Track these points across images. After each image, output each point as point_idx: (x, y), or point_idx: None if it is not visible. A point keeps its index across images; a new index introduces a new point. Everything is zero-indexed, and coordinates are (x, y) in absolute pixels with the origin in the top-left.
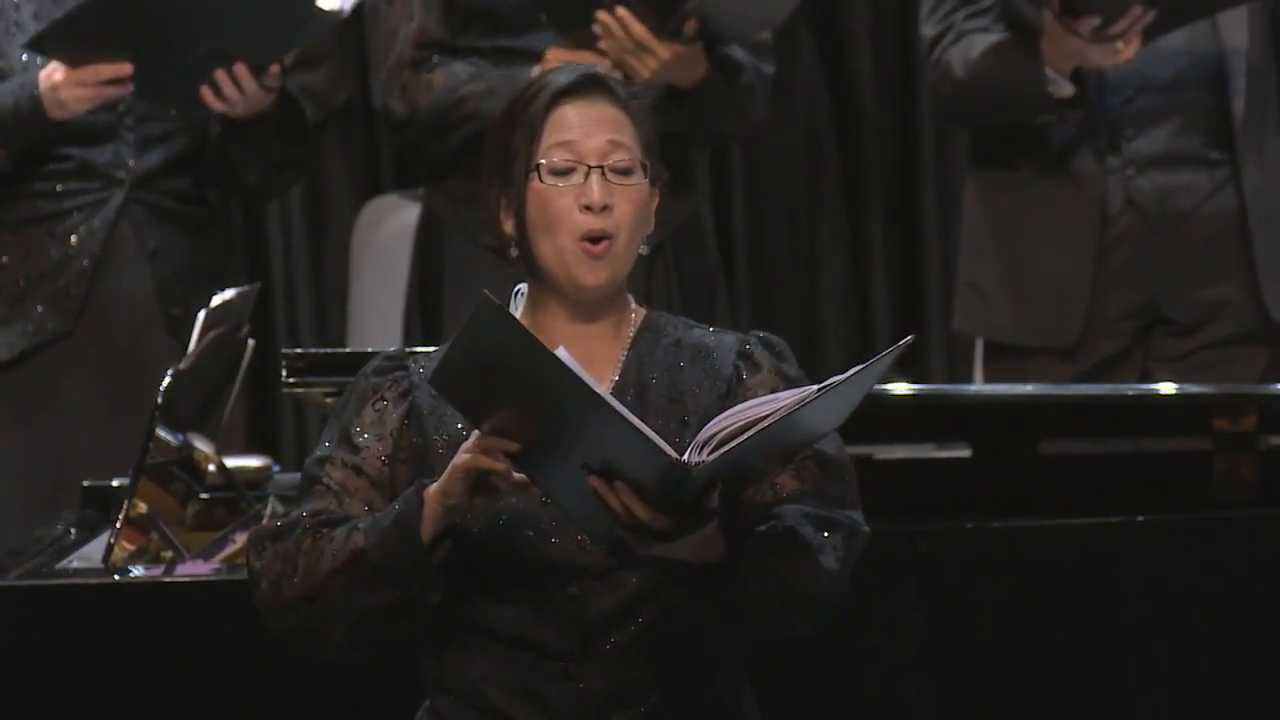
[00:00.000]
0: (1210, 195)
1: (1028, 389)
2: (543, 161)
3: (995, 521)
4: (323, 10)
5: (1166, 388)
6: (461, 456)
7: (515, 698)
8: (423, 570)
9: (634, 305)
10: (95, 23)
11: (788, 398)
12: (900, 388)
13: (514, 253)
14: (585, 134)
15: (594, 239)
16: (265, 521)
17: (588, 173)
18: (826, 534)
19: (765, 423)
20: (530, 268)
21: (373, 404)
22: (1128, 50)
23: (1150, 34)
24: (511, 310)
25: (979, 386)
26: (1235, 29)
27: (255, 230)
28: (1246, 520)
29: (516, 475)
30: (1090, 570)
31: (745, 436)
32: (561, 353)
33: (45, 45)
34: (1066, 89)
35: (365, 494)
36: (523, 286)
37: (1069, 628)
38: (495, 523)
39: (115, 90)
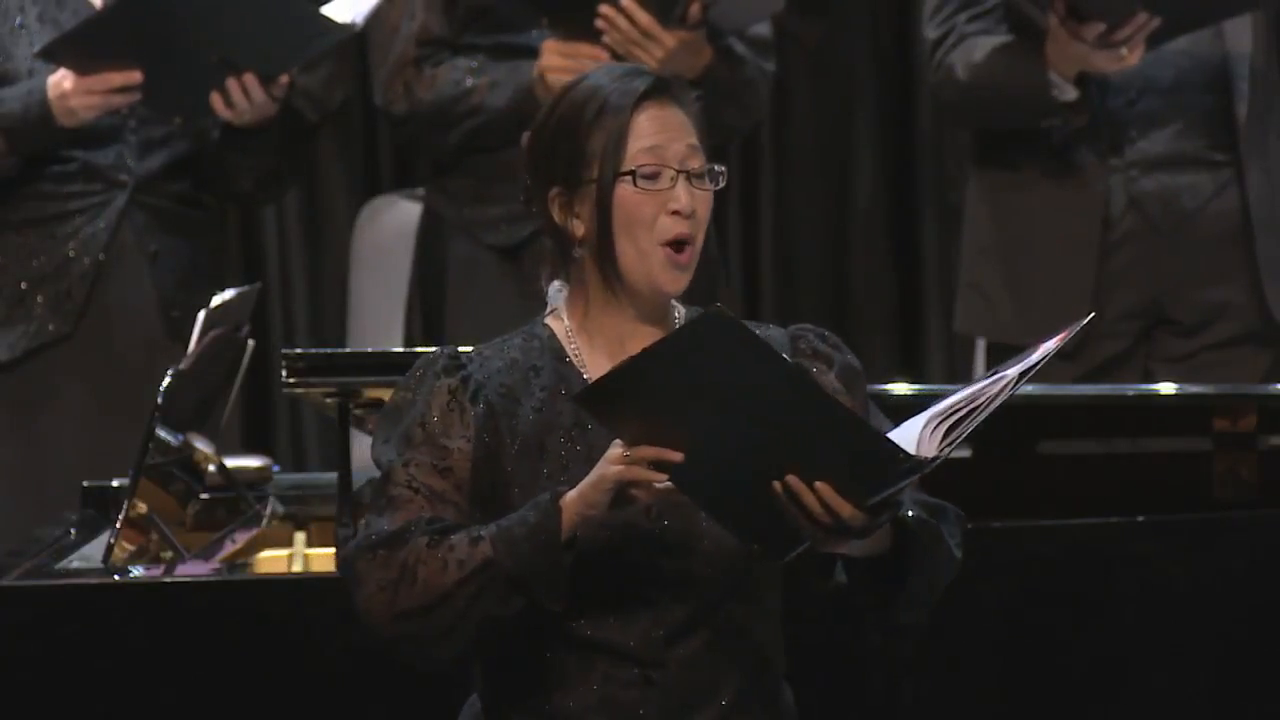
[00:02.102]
0: (1213, 197)
1: (1029, 389)
2: (635, 168)
3: (995, 521)
4: (336, 23)
5: (1166, 388)
6: (610, 469)
7: (590, 705)
8: (559, 579)
9: (674, 301)
10: (106, 33)
11: (990, 382)
12: (900, 388)
13: (577, 253)
14: (669, 138)
15: (679, 244)
16: (370, 532)
17: (675, 177)
18: (942, 522)
19: (984, 413)
20: (605, 268)
21: (447, 404)
22: (1132, 57)
23: (1154, 40)
24: (554, 307)
25: None
26: (1238, 32)
27: (252, 230)
28: (1246, 520)
29: (659, 485)
30: (1090, 570)
31: (966, 427)
32: (789, 360)
33: (56, 54)
34: (1070, 93)
35: (453, 496)
36: (558, 284)
37: (1069, 628)
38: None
39: (124, 98)
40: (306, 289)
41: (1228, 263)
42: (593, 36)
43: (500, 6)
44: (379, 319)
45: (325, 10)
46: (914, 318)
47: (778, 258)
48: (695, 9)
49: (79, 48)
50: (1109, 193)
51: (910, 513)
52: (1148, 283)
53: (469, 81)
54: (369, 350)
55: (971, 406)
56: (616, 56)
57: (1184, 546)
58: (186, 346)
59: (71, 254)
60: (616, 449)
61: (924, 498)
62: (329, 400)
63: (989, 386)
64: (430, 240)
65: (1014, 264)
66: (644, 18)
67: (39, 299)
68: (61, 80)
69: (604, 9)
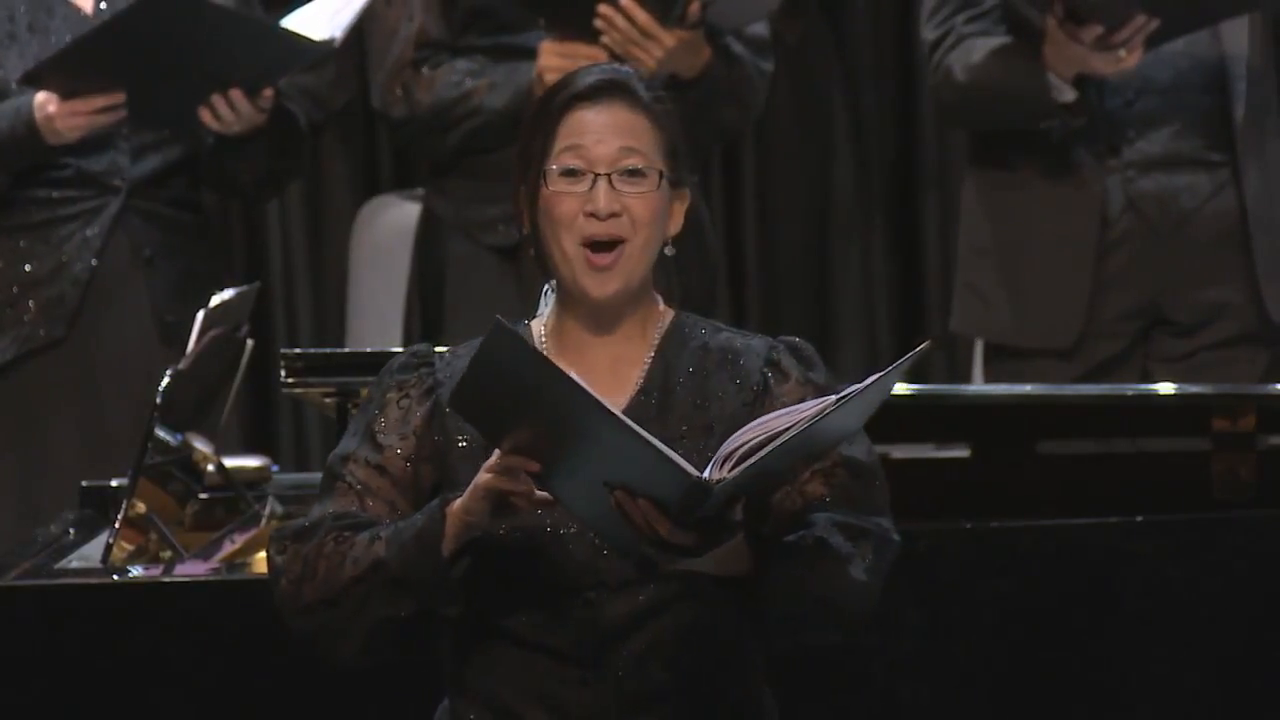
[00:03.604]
0: (1211, 197)
1: (1027, 389)
2: (553, 166)
3: (995, 521)
4: (314, 41)
5: (1166, 388)
6: (482, 476)
7: (532, 703)
8: (443, 585)
9: (661, 305)
10: (88, 56)
11: (807, 409)
12: (900, 388)
13: (532, 252)
14: (597, 140)
15: (600, 247)
16: (288, 521)
17: (594, 180)
18: (856, 544)
19: (784, 437)
20: (544, 269)
21: (397, 401)
22: (1130, 59)
23: (1152, 42)
24: (541, 309)
25: (979, 386)
26: (1236, 33)
27: (254, 230)
28: (1246, 520)
29: (538, 493)
30: (1090, 570)
31: (765, 451)
32: (575, 375)
33: (39, 79)
34: (1068, 94)
35: (388, 494)
36: (553, 283)
37: (1069, 627)
38: (513, 529)
39: (109, 117)
40: (309, 288)
41: (1225, 263)
42: (591, 37)
43: (499, 8)
44: (378, 319)
45: (303, 18)
46: (914, 317)
47: (764, 256)
48: (694, 8)
49: (61, 72)
50: (1106, 193)
51: (817, 535)
52: (1146, 283)
53: (467, 83)
54: (367, 350)
55: (772, 432)
56: (615, 57)
57: (1184, 546)
58: (181, 351)
59: (65, 259)
60: (493, 458)
61: (850, 519)
62: (328, 400)
63: (794, 414)
64: (429, 240)
65: (1011, 264)
66: (643, 17)
67: (31, 304)
68: (46, 103)
69: (602, 9)
